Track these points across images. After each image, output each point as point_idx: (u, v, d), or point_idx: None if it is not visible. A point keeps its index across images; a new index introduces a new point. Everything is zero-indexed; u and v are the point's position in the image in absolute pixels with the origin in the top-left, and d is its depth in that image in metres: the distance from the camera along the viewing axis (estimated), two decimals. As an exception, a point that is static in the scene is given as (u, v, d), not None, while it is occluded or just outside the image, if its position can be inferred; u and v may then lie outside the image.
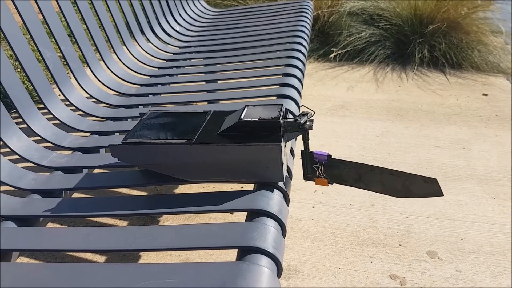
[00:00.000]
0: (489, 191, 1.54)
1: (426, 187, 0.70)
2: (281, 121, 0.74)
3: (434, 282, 1.18)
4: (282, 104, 0.79)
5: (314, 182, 0.80)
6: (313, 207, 1.48)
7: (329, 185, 0.79)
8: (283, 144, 0.73)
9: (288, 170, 0.84)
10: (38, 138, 1.81)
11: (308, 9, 2.09)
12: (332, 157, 0.77)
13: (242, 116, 0.76)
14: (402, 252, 1.28)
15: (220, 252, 1.29)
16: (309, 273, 1.22)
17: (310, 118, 0.76)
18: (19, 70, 2.64)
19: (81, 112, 1.93)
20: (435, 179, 0.69)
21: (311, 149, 1.85)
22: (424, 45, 2.71)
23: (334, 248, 1.30)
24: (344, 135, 1.93)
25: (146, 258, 1.28)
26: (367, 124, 2.02)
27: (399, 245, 1.31)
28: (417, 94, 2.33)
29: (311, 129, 0.75)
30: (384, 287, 1.17)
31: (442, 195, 0.70)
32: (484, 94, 2.31)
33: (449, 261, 1.25)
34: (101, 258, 1.29)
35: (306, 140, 0.78)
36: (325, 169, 0.79)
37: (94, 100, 2.03)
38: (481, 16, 2.85)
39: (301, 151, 0.80)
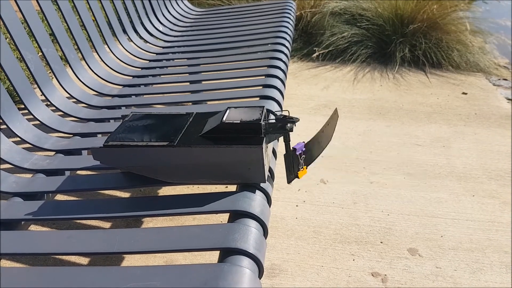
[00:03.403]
0: (469, 188, 1.58)
1: (335, 118, 0.87)
2: (263, 123, 0.75)
3: (414, 279, 1.20)
4: (263, 106, 0.80)
5: (298, 178, 0.83)
6: (296, 205, 1.49)
7: (307, 169, 0.86)
8: (264, 145, 0.74)
9: (270, 170, 0.85)
10: (19, 139, 1.79)
11: (290, 10, 2.10)
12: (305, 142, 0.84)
13: (224, 118, 0.77)
14: (384, 250, 1.30)
15: (204, 252, 1.30)
16: (293, 271, 1.23)
17: (291, 120, 0.77)
18: (-1, 70, 2.59)
19: (63, 114, 1.92)
20: (335, 108, 0.88)
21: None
22: (405, 45, 2.74)
23: (317, 246, 1.32)
24: (327, 134, 1.95)
25: (130, 260, 1.28)
26: (349, 123, 2.05)
27: (381, 242, 1.33)
28: (398, 93, 2.37)
29: (292, 131, 0.76)
30: (366, 285, 1.19)
31: (338, 116, 0.87)
32: (463, 93, 2.36)
33: (429, 258, 1.27)
34: (84, 260, 1.28)
35: (287, 141, 0.79)
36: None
37: (76, 101, 2.01)
38: (460, 15, 2.91)
39: (284, 155, 0.81)
